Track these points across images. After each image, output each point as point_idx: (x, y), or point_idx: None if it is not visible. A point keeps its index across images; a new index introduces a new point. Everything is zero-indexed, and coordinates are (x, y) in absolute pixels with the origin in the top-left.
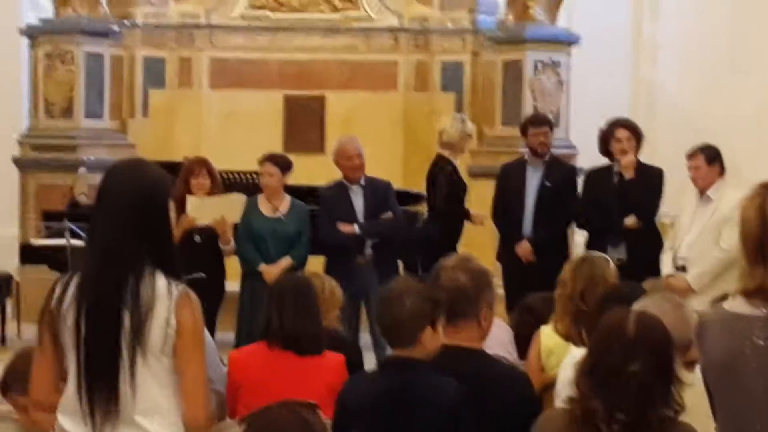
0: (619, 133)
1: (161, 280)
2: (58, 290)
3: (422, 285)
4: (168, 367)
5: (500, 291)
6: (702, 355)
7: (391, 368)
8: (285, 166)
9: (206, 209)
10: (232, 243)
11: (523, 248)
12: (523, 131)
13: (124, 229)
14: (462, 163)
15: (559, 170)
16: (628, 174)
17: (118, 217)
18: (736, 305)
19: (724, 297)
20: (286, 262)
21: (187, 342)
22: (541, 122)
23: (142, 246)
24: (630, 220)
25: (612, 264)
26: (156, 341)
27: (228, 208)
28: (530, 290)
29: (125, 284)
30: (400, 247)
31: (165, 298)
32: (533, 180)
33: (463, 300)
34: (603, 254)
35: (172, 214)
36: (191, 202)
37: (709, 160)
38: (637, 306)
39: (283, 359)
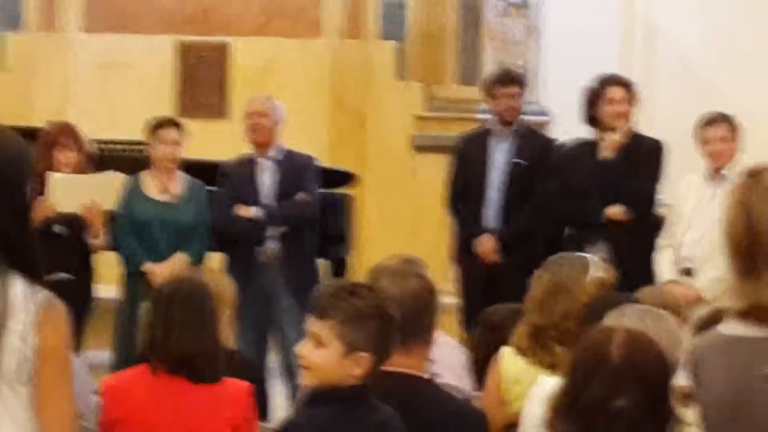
0: (611, 92)
1: (17, 285)
2: None
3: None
4: (25, 400)
5: (452, 301)
6: (700, 392)
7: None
8: (182, 129)
9: (71, 191)
10: (102, 236)
11: (485, 245)
12: (488, 92)
13: None
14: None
15: (533, 143)
16: (607, 153)
17: None
18: (732, 327)
19: (716, 316)
20: (179, 259)
21: (50, 368)
22: (509, 80)
23: None
24: (614, 210)
25: (594, 270)
26: (9, 366)
27: (99, 191)
28: (496, 300)
29: None
30: (323, 241)
31: (22, 309)
32: (498, 156)
33: (418, 315)
34: (583, 255)
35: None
36: (52, 181)
37: (734, 130)
38: (609, 320)
39: (170, 387)
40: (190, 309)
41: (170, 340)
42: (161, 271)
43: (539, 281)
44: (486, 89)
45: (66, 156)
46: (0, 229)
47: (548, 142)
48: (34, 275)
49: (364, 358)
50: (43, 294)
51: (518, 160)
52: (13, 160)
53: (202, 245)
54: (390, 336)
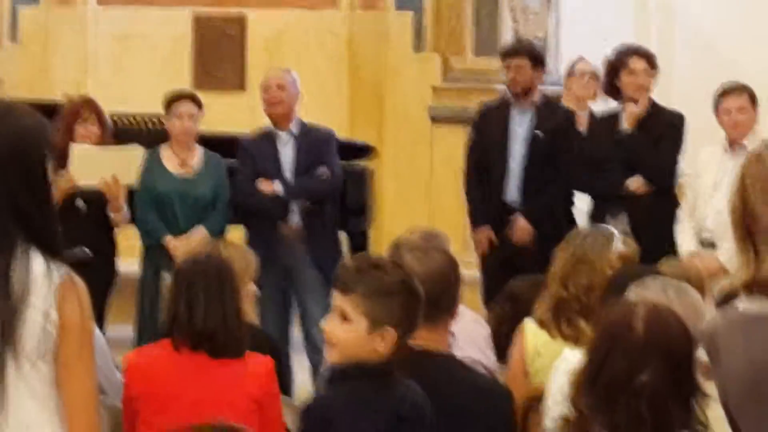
0: (633, 63)
1: (38, 262)
2: None
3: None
4: (47, 377)
5: (473, 273)
6: (718, 371)
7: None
8: (200, 103)
9: (93, 163)
10: (125, 210)
11: (521, 229)
12: (502, 63)
13: None
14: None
15: (554, 115)
16: (628, 125)
17: None
18: (749, 304)
19: (735, 290)
20: (198, 233)
21: (71, 343)
22: (514, 52)
23: (12, 216)
24: (634, 183)
25: (618, 242)
26: (31, 342)
27: (121, 165)
28: (517, 273)
29: None
30: (342, 214)
31: (43, 285)
32: (519, 128)
33: (442, 292)
34: (608, 228)
35: (51, 172)
36: (75, 152)
37: (753, 100)
38: (632, 293)
39: (193, 363)
40: (211, 285)
41: (192, 316)
42: (182, 245)
43: (562, 254)
44: (501, 60)
45: (87, 129)
46: (19, 206)
47: (568, 114)
48: (53, 251)
49: (390, 333)
50: (63, 269)
51: (539, 133)
52: (30, 136)
53: (222, 219)
54: (415, 311)
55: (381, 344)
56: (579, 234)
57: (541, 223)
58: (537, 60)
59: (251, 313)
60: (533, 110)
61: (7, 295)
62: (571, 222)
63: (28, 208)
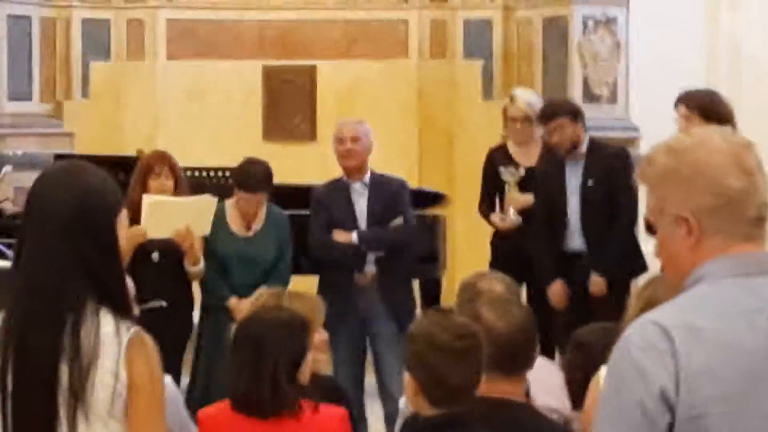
0: (678, 111)
1: (108, 321)
2: None
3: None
4: None
5: None
6: None
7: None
8: (270, 186)
9: (166, 215)
10: (202, 264)
11: (596, 284)
12: None
13: (59, 255)
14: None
15: (603, 159)
16: None
17: (52, 241)
18: None
19: None
20: (260, 295)
21: (141, 403)
22: (548, 116)
23: (81, 276)
24: None
25: None
26: (102, 401)
27: (194, 215)
28: (587, 320)
29: (62, 328)
30: (416, 264)
31: (113, 344)
32: (573, 180)
33: (523, 346)
34: None
35: (122, 231)
36: (148, 203)
37: None
38: None
39: (249, 426)
40: (258, 351)
41: (238, 382)
42: (244, 308)
43: (639, 299)
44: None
45: (161, 183)
46: (88, 265)
47: (619, 154)
48: (123, 310)
49: None
50: (132, 328)
51: (589, 182)
52: (97, 195)
53: (284, 279)
54: (480, 366)
55: None
56: (658, 279)
57: (612, 271)
58: (575, 114)
59: (325, 363)
60: (583, 160)
61: (78, 356)
62: (640, 261)
63: (97, 267)
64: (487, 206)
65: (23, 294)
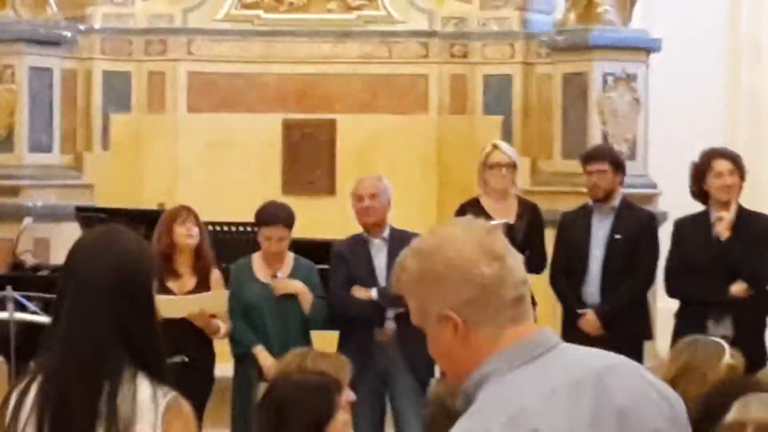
0: (718, 165)
1: (144, 387)
2: (13, 399)
3: None
4: None
5: None
6: None
7: None
8: (291, 222)
9: (179, 310)
10: (223, 329)
11: (589, 322)
12: (583, 169)
13: (99, 320)
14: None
15: (632, 218)
16: (725, 233)
17: (91, 305)
18: None
19: None
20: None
21: None
22: (592, 157)
23: (119, 341)
24: (737, 288)
25: (727, 356)
26: None
27: (206, 304)
28: None
29: (99, 394)
30: None
31: (149, 410)
32: (600, 232)
33: None
34: (717, 340)
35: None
36: (162, 302)
37: None
38: (735, 411)
39: None
40: (272, 413)
41: None
42: (268, 362)
43: (674, 362)
44: (582, 165)
45: (188, 229)
46: (126, 331)
47: (648, 217)
48: (160, 376)
49: None
50: (169, 394)
51: (617, 236)
52: (136, 261)
53: (321, 315)
54: None
55: None
56: (691, 343)
57: (619, 321)
58: (618, 165)
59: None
60: (613, 214)
61: (115, 422)
62: (646, 324)
63: (135, 333)
64: None
65: (61, 358)
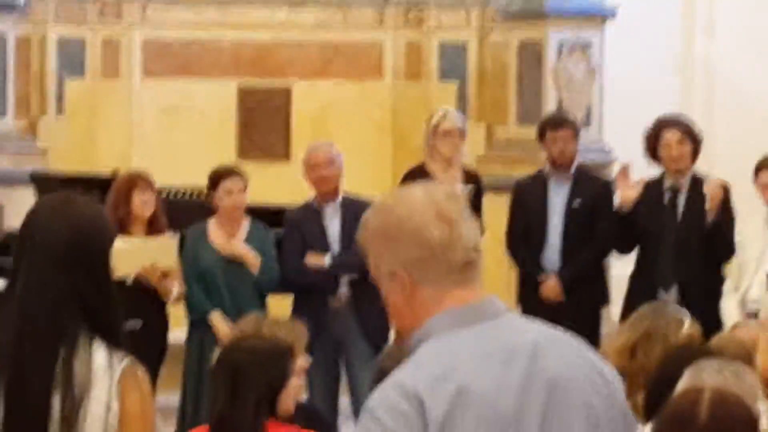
0: (667, 136)
1: (100, 353)
2: None
3: None
4: None
5: None
6: None
7: None
8: (247, 179)
9: (132, 257)
10: (175, 291)
11: (550, 287)
12: (541, 136)
13: (54, 286)
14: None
15: (589, 185)
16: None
17: (46, 272)
18: None
19: None
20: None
21: None
22: (559, 123)
23: (75, 308)
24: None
25: (687, 324)
26: None
27: (159, 253)
28: None
29: (55, 359)
30: None
31: (105, 376)
32: (557, 199)
33: None
34: (678, 307)
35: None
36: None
37: None
38: (688, 377)
39: None
40: (236, 379)
41: (214, 409)
42: (223, 328)
43: (635, 327)
44: (539, 133)
45: (146, 197)
46: (82, 297)
47: (605, 184)
48: (116, 342)
49: None
50: (125, 360)
51: (575, 204)
52: (91, 227)
53: (270, 276)
54: None
55: None
56: (653, 309)
57: (578, 288)
58: (578, 132)
59: (300, 388)
60: (571, 181)
61: (70, 387)
62: (603, 289)
63: (92, 299)
64: None
65: (16, 324)
